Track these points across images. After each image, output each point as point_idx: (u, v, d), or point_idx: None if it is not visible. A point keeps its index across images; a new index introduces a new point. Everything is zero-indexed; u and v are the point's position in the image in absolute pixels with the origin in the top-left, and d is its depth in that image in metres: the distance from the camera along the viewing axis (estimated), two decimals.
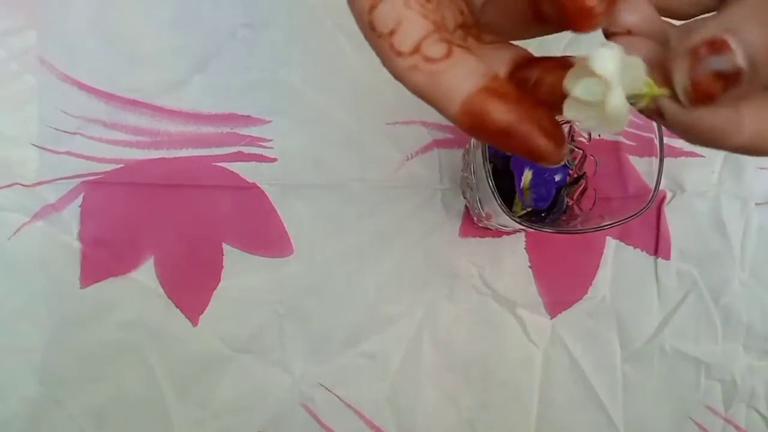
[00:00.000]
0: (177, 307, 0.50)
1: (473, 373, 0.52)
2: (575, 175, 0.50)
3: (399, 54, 0.23)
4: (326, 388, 0.51)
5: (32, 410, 0.48)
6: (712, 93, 0.19)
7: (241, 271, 0.50)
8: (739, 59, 0.19)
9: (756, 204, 0.56)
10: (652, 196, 0.41)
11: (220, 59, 0.51)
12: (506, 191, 0.49)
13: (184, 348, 0.50)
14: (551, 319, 0.53)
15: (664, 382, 0.54)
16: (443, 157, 0.52)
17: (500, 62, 0.25)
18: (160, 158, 0.50)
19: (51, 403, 0.49)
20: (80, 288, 0.49)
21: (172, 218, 0.50)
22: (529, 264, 0.53)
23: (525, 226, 0.42)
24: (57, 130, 0.49)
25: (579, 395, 0.53)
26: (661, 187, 0.52)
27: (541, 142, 0.22)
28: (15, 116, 0.49)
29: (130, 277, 0.49)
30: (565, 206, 0.49)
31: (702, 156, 0.56)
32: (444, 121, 0.52)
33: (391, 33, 0.22)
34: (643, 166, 0.43)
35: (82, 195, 0.49)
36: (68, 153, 0.49)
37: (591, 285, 0.54)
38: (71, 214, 0.49)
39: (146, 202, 0.50)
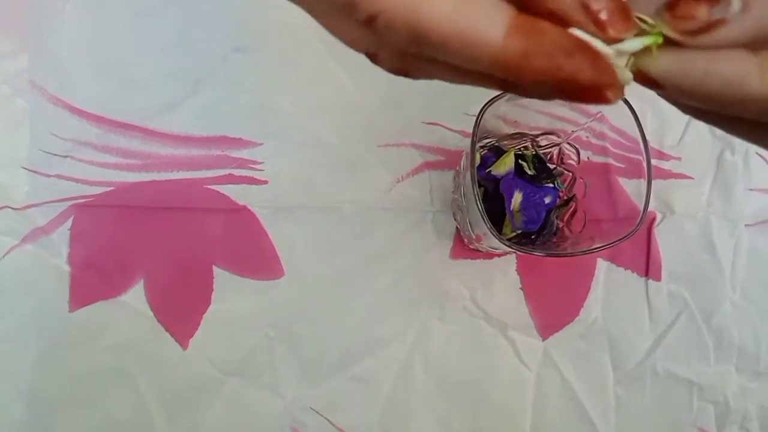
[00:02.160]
0: (167, 330, 0.49)
1: (465, 396, 0.52)
2: (565, 198, 0.50)
3: None
4: (317, 412, 0.50)
5: None
6: (695, 24, 0.17)
7: (231, 294, 0.50)
8: None
9: (745, 225, 0.56)
10: (641, 218, 0.41)
11: (212, 83, 0.51)
12: (496, 213, 0.49)
13: (174, 372, 0.49)
14: (543, 341, 0.53)
15: (656, 404, 0.54)
16: (434, 179, 0.53)
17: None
18: (150, 181, 0.50)
19: (39, 428, 0.48)
20: (69, 311, 0.49)
21: (162, 241, 0.50)
22: (521, 286, 0.53)
23: (515, 249, 0.42)
24: (48, 153, 0.49)
25: (571, 417, 0.53)
26: (651, 208, 0.53)
27: (608, 71, 0.18)
28: (6, 139, 0.50)
29: (120, 301, 0.49)
30: (555, 228, 0.50)
31: (691, 178, 0.56)
32: (435, 143, 0.53)
33: None
34: (632, 188, 0.44)
35: (71, 218, 0.49)
36: (58, 176, 0.49)
37: (582, 307, 0.54)
38: (61, 237, 0.49)
39: (136, 224, 0.50)
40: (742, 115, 0.19)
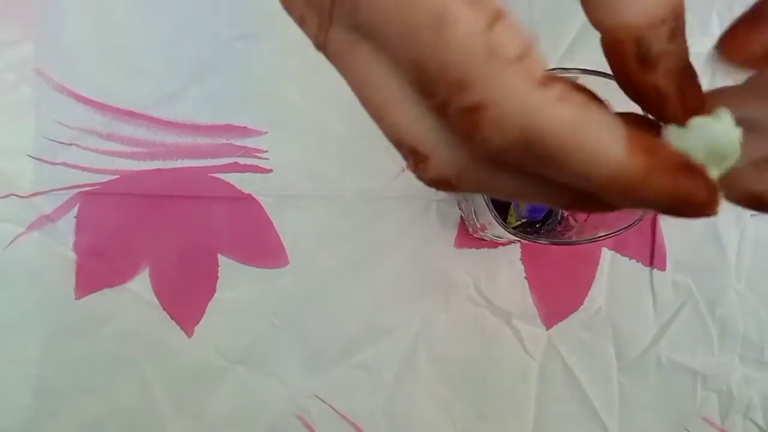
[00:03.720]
0: (172, 318, 0.49)
1: (469, 384, 0.52)
2: None
3: (541, 82, 0.15)
4: (321, 400, 0.50)
5: (26, 422, 0.48)
6: None
7: (236, 283, 0.50)
8: None
9: (751, 215, 0.56)
10: None
11: (217, 71, 0.51)
12: (501, 202, 0.49)
13: (180, 359, 0.50)
14: (547, 330, 0.53)
15: (660, 393, 0.54)
16: None
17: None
18: (155, 169, 0.50)
19: (45, 415, 0.48)
20: (75, 299, 0.49)
21: (168, 229, 0.50)
22: (525, 275, 0.53)
23: (520, 237, 0.42)
24: (53, 141, 0.49)
25: (575, 407, 0.53)
26: None
27: (713, 187, 0.17)
28: (11, 127, 0.49)
29: (126, 288, 0.49)
30: (559, 217, 0.49)
31: None
32: None
33: (523, 56, 0.16)
34: None
35: (77, 206, 0.49)
36: (64, 164, 0.49)
37: (587, 296, 0.54)
38: (67, 224, 0.49)
39: (141, 213, 0.50)
40: None
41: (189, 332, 0.50)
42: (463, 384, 0.52)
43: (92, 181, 0.49)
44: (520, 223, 0.49)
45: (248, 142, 0.51)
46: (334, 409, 0.50)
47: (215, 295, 0.50)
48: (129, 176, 0.50)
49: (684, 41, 0.17)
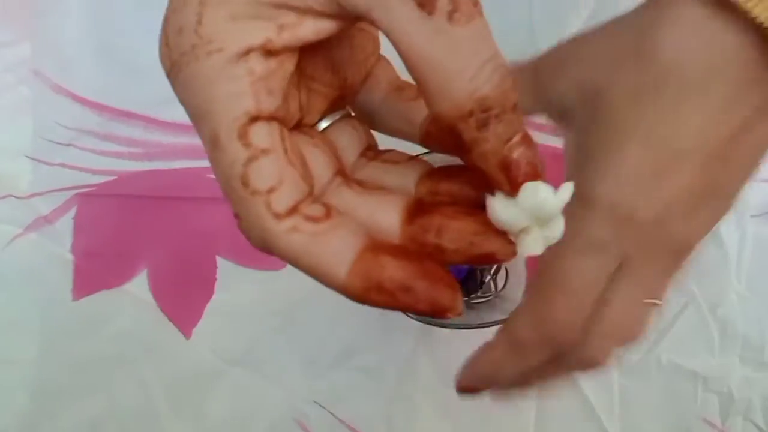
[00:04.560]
0: (170, 320, 0.49)
1: None
2: None
3: (276, 215, 0.19)
4: (320, 405, 0.50)
5: (24, 423, 0.48)
6: None
7: (234, 284, 0.50)
8: None
9: (751, 216, 0.56)
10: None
11: None
12: None
13: (178, 361, 0.49)
14: None
15: (661, 395, 0.54)
16: None
17: (391, 211, 0.22)
18: (153, 170, 0.50)
19: (43, 416, 0.48)
20: (73, 300, 0.49)
21: (165, 231, 0.50)
22: (527, 276, 0.53)
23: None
24: (51, 141, 0.49)
25: (576, 410, 0.53)
26: None
27: (444, 294, 0.20)
28: (9, 128, 0.49)
29: (123, 290, 0.49)
30: (479, 281, 0.50)
31: None
32: None
33: (270, 191, 0.19)
34: None
35: (75, 207, 0.49)
36: (62, 165, 0.49)
37: None
38: (64, 226, 0.49)
39: (139, 214, 0.50)
40: None
41: (187, 334, 0.49)
42: None
43: (90, 182, 0.49)
44: None
45: None
46: (333, 414, 0.50)
47: (213, 296, 0.50)
48: (127, 177, 0.50)
49: (504, 126, 0.19)
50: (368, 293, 0.20)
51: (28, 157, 0.49)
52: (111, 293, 0.49)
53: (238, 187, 0.19)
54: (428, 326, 0.51)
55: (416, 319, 0.43)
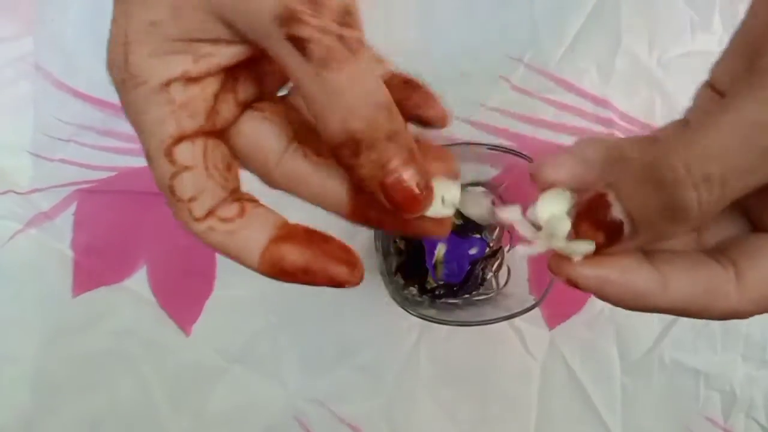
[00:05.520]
0: (170, 316, 0.49)
1: (471, 386, 0.52)
2: (494, 248, 0.50)
3: (196, 219, 0.24)
4: (320, 403, 0.50)
5: (24, 419, 0.48)
6: (597, 242, 0.22)
7: (233, 281, 0.50)
8: (616, 212, 0.21)
9: None
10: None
11: None
12: (418, 267, 0.50)
13: (177, 358, 0.49)
14: (550, 330, 0.53)
15: (663, 393, 0.54)
16: None
17: (340, 183, 0.25)
18: None
19: (43, 412, 0.48)
20: (72, 296, 0.49)
21: (165, 227, 0.49)
22: (528, 276, 0.53)
23: (428, 319, 0.43)
24: (51, 137, 0.49)
25: (577, 408, 0.53)
26: None
27: (339, 270, 0.25)
28: (10, 123, 0.49)
29: (123, 286, 0.49)
30: (480, 279, 0.50)
31: None
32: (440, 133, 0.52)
33: (191, 200, 0.23)
34: None
35: (75, 203, 0.49)
36: (62, 160, 0.49)
37: (590, 296, 0.53)
38: (64, 222, 0.49)
39: (139, 210, 0.49)
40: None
41: (186, 331, 0.49)
42: (464, 386, 0.52)
43: (90, 178, 0.49)
44: (437, 285, 0.49)
45: None
46: (333, 412, 0.50)
47: (212, 293, 0.50)
48: (127, 173, 0.49)
49: (377, 154, 0.22)
50: (276, 276, 0.24)
51: (28, 152, 0.49)
52: (111, 289, 0.49)
53: (168, 195, 0.23)
54: (429, 323, 0.51)
55: (417, 316, 0.43)
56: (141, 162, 0.49)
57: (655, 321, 0.54)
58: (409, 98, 0.26)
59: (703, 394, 0.54)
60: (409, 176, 0.22)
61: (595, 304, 0.53)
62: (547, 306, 0.52)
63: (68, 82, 0.50)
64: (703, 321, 0.54)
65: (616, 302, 0.23)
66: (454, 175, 0.25)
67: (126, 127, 0.50)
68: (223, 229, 0.24)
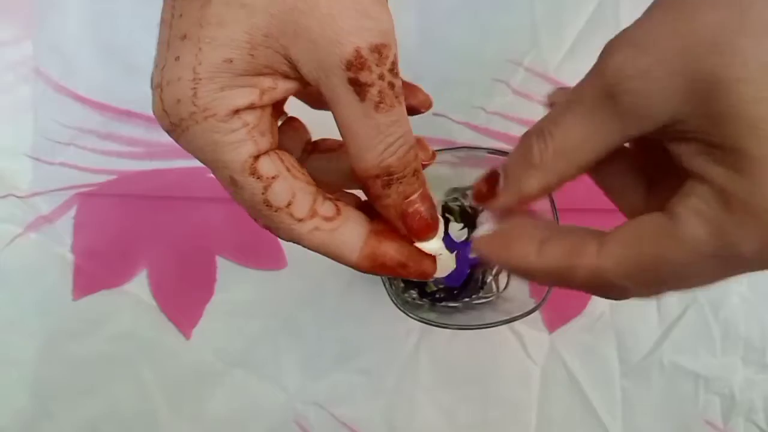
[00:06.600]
0: (170, 320, 0.49)
1: (471, 389, 0.52)
2: None
3: (300, 221, 0.25)
4: (320, 406, 0.50)
5: (24, 423, 0.48)
6: (480, 189, 0.27)
7: (234, 284, 0.50)
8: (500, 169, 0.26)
9: None
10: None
11: None
12: None
13: (177, 361, 0.49)
14: (550, 334, 0.53)
15: (663, 396, 0.54)
16: None
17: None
18: (153, 170, 0.50)
19: (43, 416, 0.48)
20: (73, 300, 0.49)
21: (166, 231, 0.50)
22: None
23: (425, 322, 0.44)
24: (51, 140, 0.49)
25: (577, 411, 0.53)
26: None
27: (429, 264, 0.28)
28: (10, 127, 0.49)
29: (123, 290, 0.49)
30: (480, 283, 0.49)
31: None
32: (440, 135, 0.52)
33: (289, 204, 0.25)
34: None
35: (75, 207, 0.49)
36: (62, 164, 0.49)
37: (590, 300, 0.53)
38: (64, 225, 0.49)
39: (139, 214, 0.49)
40: None
41: (187, 334, 0.49)
42: (464, 389, 0.52)
43: (90, 181, 0.49)
44: (437, 288, 0.49)
45: None
46: (333, 415, 0.50)
47: (213, 297, 0.50)
48: (127, 177, 0.49)
49: (403, 187, 0.25)
50: (374, 269, 0.27)
51: (28, 156, 0.49)
52: (111, 293, 0.49)
53: (264, 210, 0.25)
54: (429, 326, 0.51)
55: (417, 319, 0.43)
56: (141, 165, 0.49)
57: (654, 324, 0.54)
58: None
59: (702, 397, 0.54)
60: (425, 208, 0.26)
61: (595, 308, 0.53)
62: (547, 310, 0.52)
63: (68, 86, 0.50)
64: (703, 324, 0.54)
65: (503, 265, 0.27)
66: (431, 158, 0.29)
67: (126, 130, 0.51)
68: (327, 227, 0.25)
